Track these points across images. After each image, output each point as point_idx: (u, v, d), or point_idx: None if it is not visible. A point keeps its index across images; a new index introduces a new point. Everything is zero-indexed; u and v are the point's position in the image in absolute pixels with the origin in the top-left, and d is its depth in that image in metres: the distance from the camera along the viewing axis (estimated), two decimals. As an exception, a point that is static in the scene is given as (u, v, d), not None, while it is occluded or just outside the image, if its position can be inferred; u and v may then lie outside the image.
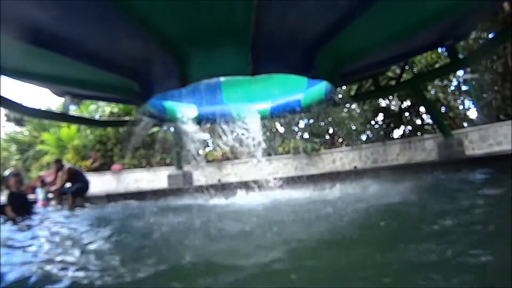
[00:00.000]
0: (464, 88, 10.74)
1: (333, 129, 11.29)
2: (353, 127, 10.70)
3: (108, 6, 3.12)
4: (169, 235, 2.49)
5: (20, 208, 4.87)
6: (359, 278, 1.29)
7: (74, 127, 12.37)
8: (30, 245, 2.58)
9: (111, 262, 1.82)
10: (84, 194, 6.82)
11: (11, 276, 1.68)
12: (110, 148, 11.85)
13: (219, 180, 9.96)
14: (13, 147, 14.72)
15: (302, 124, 11.55)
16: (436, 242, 1.64)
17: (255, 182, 5.96)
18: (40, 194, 6.81)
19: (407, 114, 10.32)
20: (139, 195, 7.28)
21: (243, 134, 6.06)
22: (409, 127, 10.33)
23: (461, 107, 10.84)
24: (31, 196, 6.39)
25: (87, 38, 3.90)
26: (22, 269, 1.80)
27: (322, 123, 11.15)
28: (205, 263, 1.62)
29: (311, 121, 11.29)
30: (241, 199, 5.06)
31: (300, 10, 3.58)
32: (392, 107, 10.54)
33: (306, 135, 11.25)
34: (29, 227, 3.91)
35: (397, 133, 10.49)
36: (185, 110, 6.48)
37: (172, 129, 8.55)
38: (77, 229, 3.36)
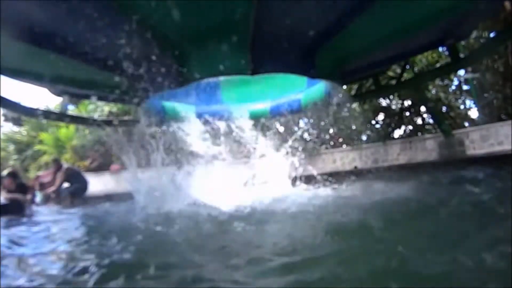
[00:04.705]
0: (465, 87, 10.69)
1: (333, 129, 11.24)
2: (354, 127, 10.65)
3: (107, 5, 3.08)
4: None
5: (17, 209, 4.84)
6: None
7: (72, 127, 12.30)
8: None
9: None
10: (82, 195, 6.79)
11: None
12: (109, 148, 11.80)
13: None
14: (11, 147, 14.65)
15: (302, 124, 11.50)
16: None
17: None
18: (37, 196, 6.75)
19: (407, 113, 10.29)
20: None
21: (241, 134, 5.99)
22: (410, 127, 10.30)
23: (462, 106, 10.79)
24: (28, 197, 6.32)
25: (86, 37, 3.84)
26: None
27: (322, 123, 11.09)
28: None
29: (311, 121, 11.24)
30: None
31: (299, 9, 3.53)
32: (393, 107, 10.51)
33: (306, 135, 11.20)
34: None
35: (397, 133, 10.46)
36: (184, 110, 6.43)
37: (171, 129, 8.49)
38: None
